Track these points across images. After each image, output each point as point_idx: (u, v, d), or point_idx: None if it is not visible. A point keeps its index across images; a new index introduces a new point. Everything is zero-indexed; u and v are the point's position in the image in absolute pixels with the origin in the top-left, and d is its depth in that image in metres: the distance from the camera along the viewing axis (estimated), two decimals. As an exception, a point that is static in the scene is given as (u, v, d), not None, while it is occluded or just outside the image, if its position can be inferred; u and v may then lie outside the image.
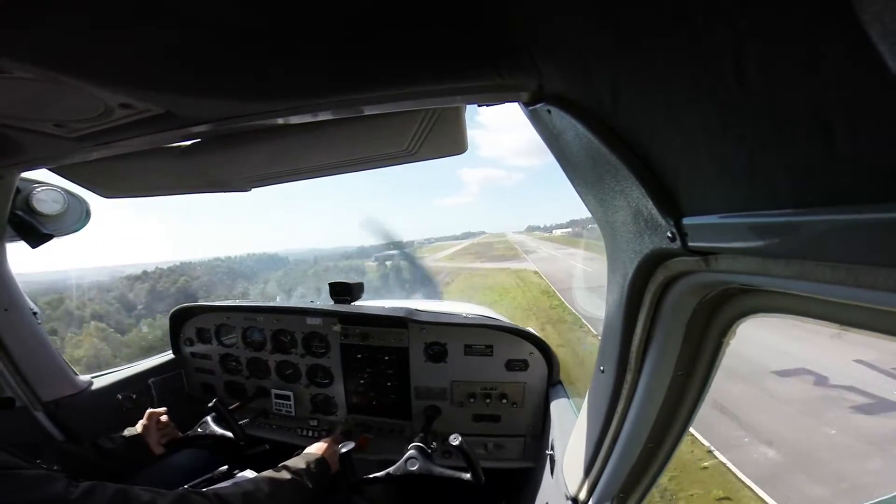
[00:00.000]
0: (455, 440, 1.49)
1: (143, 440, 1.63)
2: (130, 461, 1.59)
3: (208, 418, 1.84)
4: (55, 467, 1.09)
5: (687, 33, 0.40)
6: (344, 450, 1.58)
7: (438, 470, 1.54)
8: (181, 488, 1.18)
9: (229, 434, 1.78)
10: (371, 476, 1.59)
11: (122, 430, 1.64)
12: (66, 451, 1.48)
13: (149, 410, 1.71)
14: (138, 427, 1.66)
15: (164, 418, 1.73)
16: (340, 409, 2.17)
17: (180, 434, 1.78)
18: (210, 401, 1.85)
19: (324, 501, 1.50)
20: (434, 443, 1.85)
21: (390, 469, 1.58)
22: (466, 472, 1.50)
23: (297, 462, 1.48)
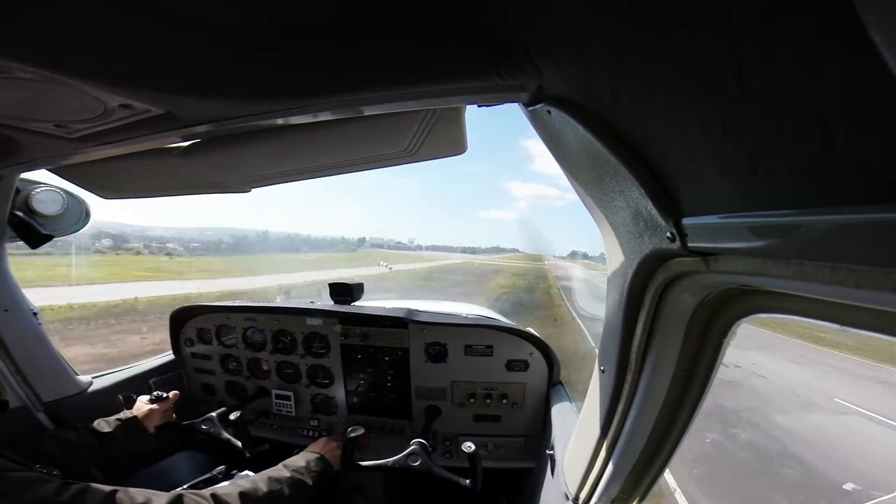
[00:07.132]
0: (468, 448, 1.49)
1: (138, 422, 1.66)
2: (127, 443, 1.62)
3: (214, 415, 1.83)
4: (55, 472, 1.08)
5: (687, 34, 0.40)
6: (352, 434, 1.58)
7: (438, 470, 1.54)
8: (178, 489, 1.17)
9: (237, 443, 1.76)
10: (371, 463, 1.60)
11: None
12: (66, 439, 1.48)
13: (167, 395, 1.79)
14: (144, 408, 1.71)
15: (172, 394, 1.81)
16: (341, 409, 2.17)
17: (174, 417, 1.82)
18: (209, 401, 1.84)
19: (324, 501, 1.49)
20: (435, 443, 1.85)
21: (391, 459, 1.58)
22: (466, 476, 1.50)
23: (296, 460, 1.47)
